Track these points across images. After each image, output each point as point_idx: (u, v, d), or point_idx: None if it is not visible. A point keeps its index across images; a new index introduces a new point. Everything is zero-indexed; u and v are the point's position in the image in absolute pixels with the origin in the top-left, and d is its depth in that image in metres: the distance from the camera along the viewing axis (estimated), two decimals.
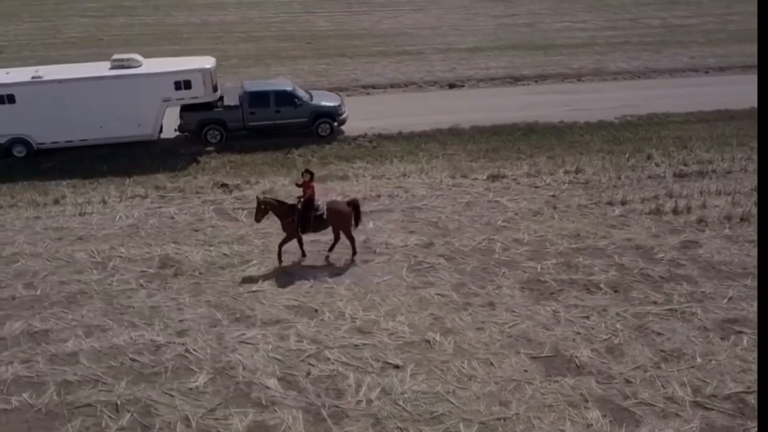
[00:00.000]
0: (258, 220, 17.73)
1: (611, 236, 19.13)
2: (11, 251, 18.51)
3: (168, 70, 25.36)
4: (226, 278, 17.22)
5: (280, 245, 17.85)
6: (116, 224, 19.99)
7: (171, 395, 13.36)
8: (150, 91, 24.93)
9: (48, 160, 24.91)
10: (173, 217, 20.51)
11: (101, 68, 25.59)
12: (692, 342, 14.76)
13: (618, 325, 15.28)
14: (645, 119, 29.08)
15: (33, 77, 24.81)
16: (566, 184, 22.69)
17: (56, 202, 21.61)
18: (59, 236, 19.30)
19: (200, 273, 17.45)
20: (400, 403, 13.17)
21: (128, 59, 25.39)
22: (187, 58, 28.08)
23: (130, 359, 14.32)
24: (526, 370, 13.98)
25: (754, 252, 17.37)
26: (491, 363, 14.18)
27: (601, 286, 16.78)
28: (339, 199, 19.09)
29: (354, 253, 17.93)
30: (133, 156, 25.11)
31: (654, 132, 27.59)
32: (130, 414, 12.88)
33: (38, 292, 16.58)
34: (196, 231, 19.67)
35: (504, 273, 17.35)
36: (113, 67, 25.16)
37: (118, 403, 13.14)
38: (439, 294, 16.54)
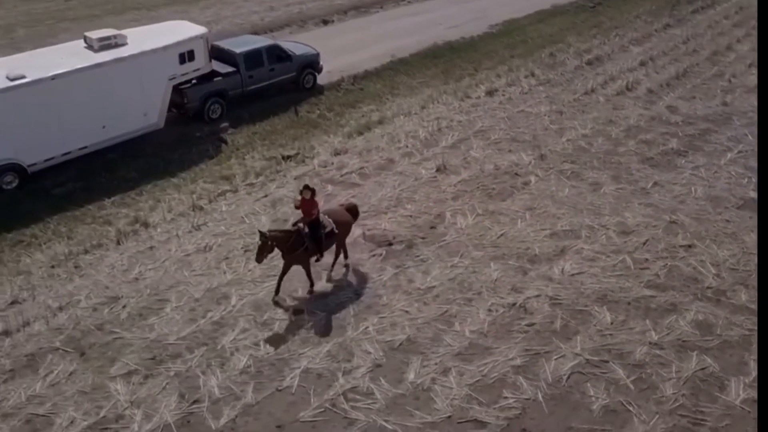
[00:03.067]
0: (260, 260, 13.67)
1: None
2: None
3: (171, 42, 19.85)
4: None
5: (309, 276, 14.36)
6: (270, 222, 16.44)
7: None
8: (156, 71, 19.55)
9: (52, 183, 18.30)
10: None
11: (84, 52, 18.88)
12: None
13: None
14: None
15: (10, 77, 17.35)
16: (540, 86, 24.57)
17: (137, 223, 16.51)
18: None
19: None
20: None
21: (113, 36, 19.30)
22: (167, 25, 22.36)
23: None
24: None
25: None
26: None
27: None
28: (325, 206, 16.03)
29: (343, 257, 15.22)
30: (146, 153, 19.79)
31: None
32: None
33: None
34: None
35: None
36: (100, 49, 18.92)
37: None
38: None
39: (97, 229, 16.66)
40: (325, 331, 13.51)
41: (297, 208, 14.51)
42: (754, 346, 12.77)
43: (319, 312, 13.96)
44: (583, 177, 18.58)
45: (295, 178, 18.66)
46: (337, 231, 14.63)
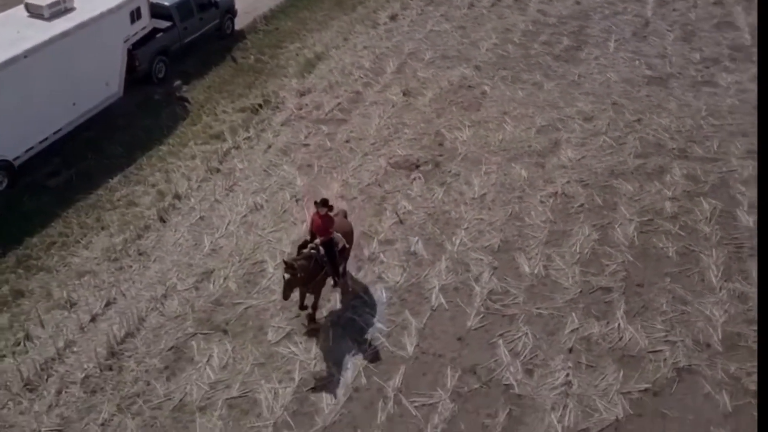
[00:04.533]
0: (288, 296, 11.33)
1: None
2: None
3: (122, 1, 17.03)
4: None
5: (314, 309, 12.22)
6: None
7: None
8: (112, 34, 16.94)
9: (42, 177, 15.63)
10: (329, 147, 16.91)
11: (36, 22, 15.70)
12: None
13: None
14: None
15: None
16: (428, 6, 25.44)
17: (166, 197, 14.98)
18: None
19: None
20: None
21: (61, 1, 16.12)
22: None
23: None
24: None
25: None
26: None
27: None
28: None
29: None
30: (118, 125, 17.35)
31: None
32: None
33: None
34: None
35: None
36: (52, 16, 15.84)
37: None
38: None
39: (126, 213, 14.84)
40: (428, 251, 14.06)
41: (312, 230, 12.11)
42: (732, 184, 16.11)
43: (408, 239, 14.38)
44: (522, 80, 20.47)
45: (282, 125, 18.03)
46: (347, 246, 12.67)
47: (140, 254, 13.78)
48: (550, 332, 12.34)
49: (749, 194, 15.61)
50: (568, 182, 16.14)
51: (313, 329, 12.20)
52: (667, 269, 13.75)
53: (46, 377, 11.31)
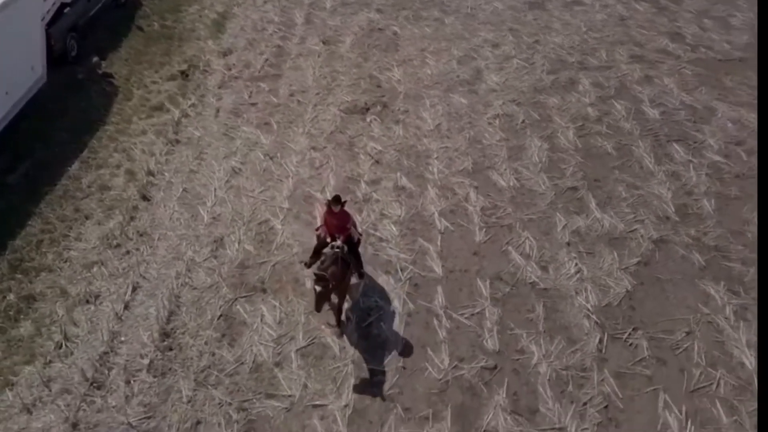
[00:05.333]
0: (321, 308, 10.68)
1: None
2: None
3: None
4: None
5: (340, 311, 11.44)
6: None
7: None
8: (31, 13, 14.83)
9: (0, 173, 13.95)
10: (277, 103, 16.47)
11: None
12: None
13: None
14: None
15: None
16: None
17: (137, 176, 14.13)
18: None
19: None
20: None
21: None
22: None
23: None
24: None
25: None
26: None
27: None
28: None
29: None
30: (52, 112, 15.69)
31: None
32: None
33: None
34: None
35: None
36: None
37: None
38: None
39: (103, 198, 13.78)
40: (414, 184, 14.68)
41: (325, 235, 11.19)
42: (629, 86, 18.32)
43: (390, 176, 14.88)
44: (424, 17, 21.17)
45: (219, 87, 17.39)
46: (360, 236, 11.99)
47: (141, 235, 13.03)
48: (545, 232, 13.70)
49: (646, 92, 17.92)
50: (503, 103, 17.42)
51: (335, 331, 11.44)
52: (612, 164, 15.59)
53: (107, 372, 10.67)
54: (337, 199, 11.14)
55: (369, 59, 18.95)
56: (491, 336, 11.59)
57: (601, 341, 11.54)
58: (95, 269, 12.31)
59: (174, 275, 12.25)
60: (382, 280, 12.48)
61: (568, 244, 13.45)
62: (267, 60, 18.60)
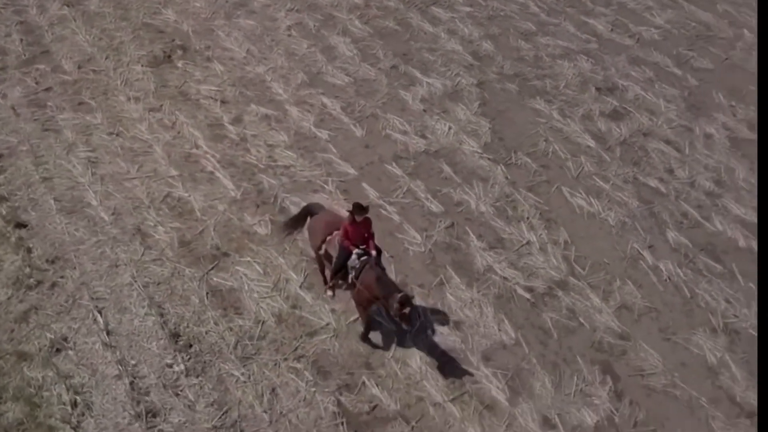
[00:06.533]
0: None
1: None
2: None
3: None
4: None
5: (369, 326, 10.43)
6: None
7: None
8: None
9: None
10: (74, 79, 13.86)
11: None
12: None
13: None
14: None
15: None
16: None
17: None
18: None
19: None
20: None
21: None
22: None
23: None
24: None
25: None
26: None
27: None
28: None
29: None
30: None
31: None
32: None
33: None
34: None
35: None
36: None
37: None
38: None
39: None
40: (270, 108, 14.41)
41: (353, 243, 9.72)
42: None
43: (242, 109, 14.32)
44: None
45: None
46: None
47: (53, 262, 10.86)
48: (402, 108, 14.91)
49: None
50: (285, 15, 17.32)
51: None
52: (404, 37, 17.07)
53: (147, 398, 9.38)
54: (359, 207, 9.51)
55: (130, 8, 16.92)
56: (431, 202, 12.86)
57: (502, 171, 13.65)
58: (34, 316, 10.15)
59: (128, 281, 10.78)
60: (317, 198, 12.61)
61: (425, 111, 14.94)
62: (22, 39, 15.40)
